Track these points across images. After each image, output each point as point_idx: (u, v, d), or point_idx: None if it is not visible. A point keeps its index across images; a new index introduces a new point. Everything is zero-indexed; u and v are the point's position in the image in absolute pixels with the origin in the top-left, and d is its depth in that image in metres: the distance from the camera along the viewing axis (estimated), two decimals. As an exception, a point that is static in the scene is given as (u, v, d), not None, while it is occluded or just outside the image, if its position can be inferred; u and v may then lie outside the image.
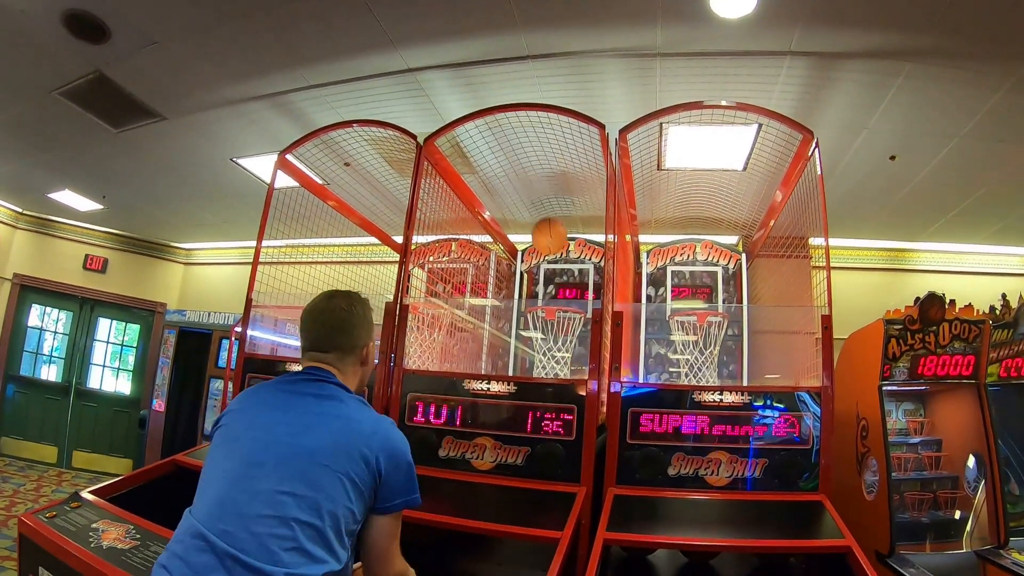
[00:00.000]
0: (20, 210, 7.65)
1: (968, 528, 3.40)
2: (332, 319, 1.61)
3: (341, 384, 1.55)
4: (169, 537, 1.36)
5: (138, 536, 2.06)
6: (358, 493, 1.38)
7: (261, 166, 5.01)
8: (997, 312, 3.64)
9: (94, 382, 7.92)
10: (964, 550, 3.30)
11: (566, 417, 2.58)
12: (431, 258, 4.21)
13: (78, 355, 7.85)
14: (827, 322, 2.63)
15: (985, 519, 3.32)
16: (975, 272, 5.78)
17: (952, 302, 3.45)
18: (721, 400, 2.63)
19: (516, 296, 4.55)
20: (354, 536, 1.43)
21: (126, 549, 1.98)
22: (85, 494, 2.39)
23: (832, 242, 2.76)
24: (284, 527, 1.27)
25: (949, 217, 5.17)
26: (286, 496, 1.30)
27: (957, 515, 3.49)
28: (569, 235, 4.66)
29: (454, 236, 4.23)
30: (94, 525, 2.13)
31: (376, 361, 1.74)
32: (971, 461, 3.49)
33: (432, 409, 2.75)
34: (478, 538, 2.49)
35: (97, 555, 1.94)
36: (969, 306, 3.50)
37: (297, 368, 1.63)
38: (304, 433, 1.40)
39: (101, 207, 6.92)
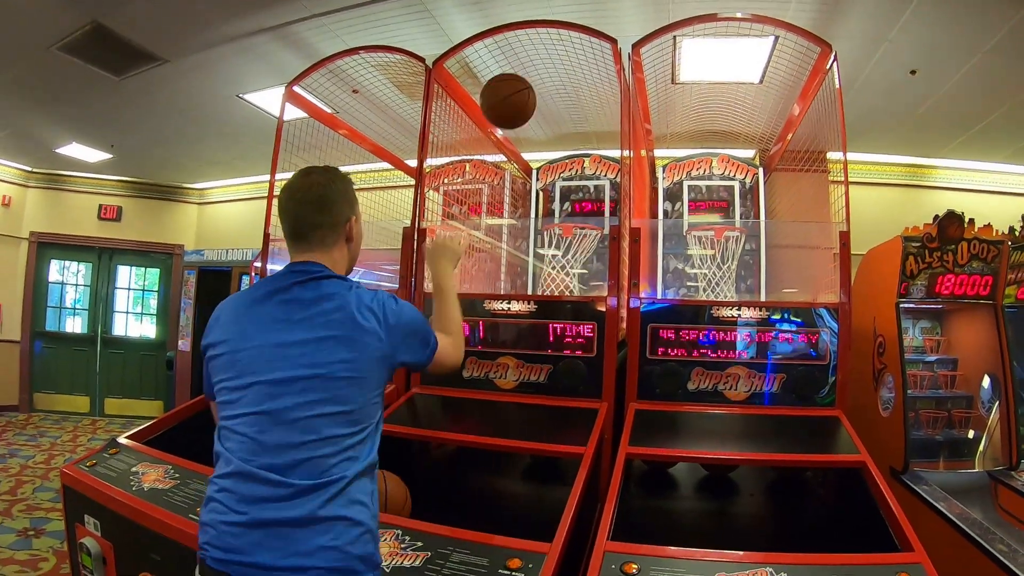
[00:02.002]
0: (30, 169, 7.68)
1: (981, 448, 3.43)
2: (310, 196, 1.49)
3: (334, 275, 1.47)
4: (206, 473, 1.37)
5: (177, 475, 2.11)
6: (382, 383, 1.42)
7: (268, 100, 4.96)
8: (1016, 233, 3.59)
9: (119, 329, 8.08)
10: (976, 469, 3.34)
11: (587, 334, 2.61)
12: (445, 180, 4.18)
13: (101, 304, 7.99)
14: (845, 238, 2.61)
15: (998, 440, 3.35)
16: (994, 191, 5.67)
17: (971, 221, 3.40)
18: (739, 315, 2.64)
19: (532, 214, 4.51)
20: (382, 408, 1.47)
21: (167, 489, 2.04)
22: (122, 440, 2.45)
23: (850, 156, 2.72)
24: (327, 445, 1.30)
25: (970, 134, 5.05)
26: (320, 418, 1.31)
27: (971, 435, 3.53)
28: (584, 151, 4.60)
29: (468, 157, 4.18)
30: (134, 469, 2.18)
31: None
32: (986, 381, 3.50)
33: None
34: (503, 455, 2.57)
35: (139, 497, 1.99)
36: (988, 226, 3.45)
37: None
38: (319, 350, 1.35)
39: (110, 156, 6.90)
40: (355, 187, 1.60)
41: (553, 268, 3.53)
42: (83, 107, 5.35)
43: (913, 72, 4.10)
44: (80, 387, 7.80)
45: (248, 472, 1.28)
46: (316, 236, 1.49)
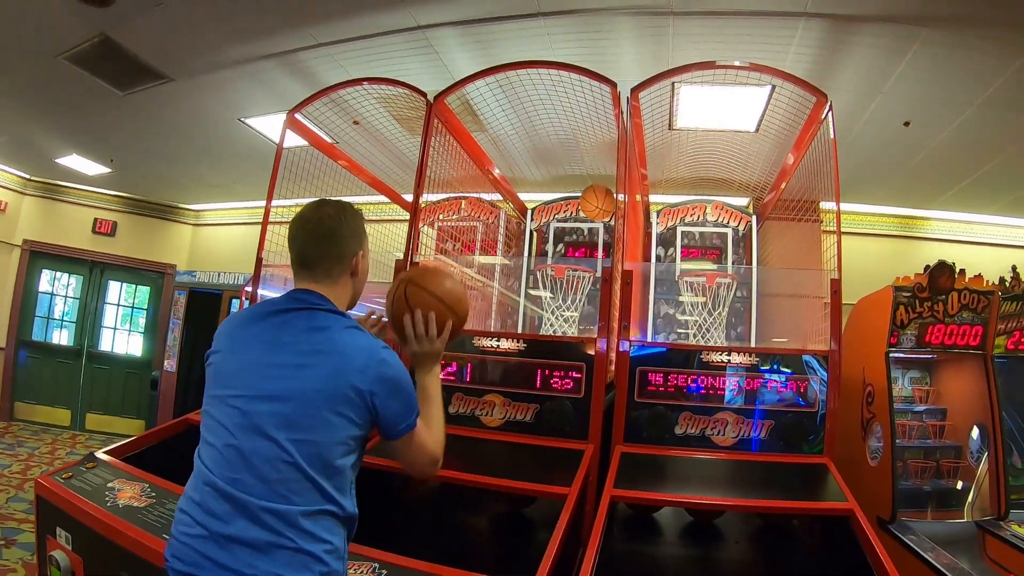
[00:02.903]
0: (28, 176, 7.67)
1: (969, 498, 3.42)
2: (321, 228, 1.53)
3: (333, 309, 1.49)
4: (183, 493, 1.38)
5: (153, 494, 2.10)
6: (356, 427, 1.39)
7: (269, 126, 4.99)
8: (1007, 284, 3.62)
9: (105, 345, 8.02)
10: (964, 520, 3.33)
11: (575, 375, 2.60)
12: (441, 216, 4.20)
13: (89, 318, 7.93)
14: (836, 286, 2.63)
15: (986, 490, 3.35)
16: (986, 243, 5.74)
17: (962, 272, 3.44)
18: (728, 361, 2.64)
19: (526, 254, 4.53)
20: (359, 464, 1.44)
21: (142, 507, 2.02)
22: (100, 454, 2.43)
23: (843, 207, 2.75)
24: (292, 471, 1.30)
25: (962, 186, 5.12)
26: (288, 441, 1.31)
27: (959, 485, 3.51)
28: (580, 194, 4.60)
29: (464, 194, 4.22)
30: (110, 484, 2.17)
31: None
32: (975, 432, 3.50)
33: (441, 366, 2.75)
34: (486, 493, 2.53)
35: (114, 513, 1.97)
36: (979, 276, 3.48)
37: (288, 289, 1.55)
38: (297, 376, 1.37)
39: (109, 170, 6.92)
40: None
41: (552, 314, 3.54)
42: (86, 119, 5.38)
43: (907, 124, 4.17)
44: (62, 400, 7.70)
45: (214, 485, 1.30)
46: (322, 267, 1.52)
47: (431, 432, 1.53)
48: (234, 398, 1.38)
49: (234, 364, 1.44)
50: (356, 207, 1.61)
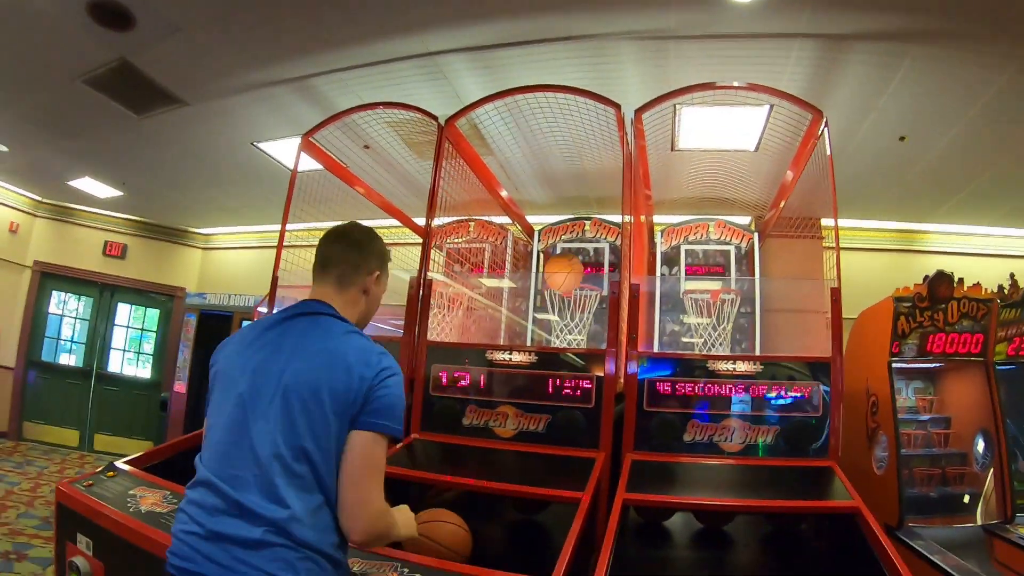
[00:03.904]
0: (40, 198, 7.75)
1: (977, 503, 3.46)
2: (347, 237, 1.62)
3: (337, 315, 1.52)
4: None
5: (175, 500, 2.11)
6: (343, 425, 1.37)
7: (281, 150, 5.08)
8: (1005, 291, 3.67)
9: (114, 366, 8.05)
10: (972, 525, 3.34)
11: (585, 385, 2.68)
12: (450, 239, 4.26)
13: (98, 340, 7.98)
14: (836, 295, 2.69)
15: (993, 495, 3.37)
16: (985, 254, 5.76)
17: (960, 280, 3.48)
18: (734, 369, 2.71)
19: (533, 275, 4.58)
20: None
21: (165, 512, 2.03)
22: (120, 464, 2.46)
23: (843, 222, 2.81)
24: (280, 466, 1.31)
25: (959, 198, 5.17)
26: (280, 435, 1.33)
27: (965, 491, 3.53)
28: (585, 215, 4.69)
29: (472, 217, 4.27)
30: (131, 492, 2.18)
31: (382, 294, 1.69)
32: (979, 438, 3.52)
33: (456, 379, 2.84)
34: (501, 504, 2.59)
35: (137, 519, 1.99)
36: (977, 285, 3.51)
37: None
38: (293, 371, 1.39)
39: (120, 194, 7.01)
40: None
41: (557, 332, 3.60)
42: (100, 142, 5.44)
43: (902, 139, 4.24)
44: (71, 420, 7.72)
45: (210, 482, 1.34)
46: (336, 271, 1.57)
47: (385, 511, 1.43)
48: (234, 398, 1.40)
49: (237, 368, 1.46)
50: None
